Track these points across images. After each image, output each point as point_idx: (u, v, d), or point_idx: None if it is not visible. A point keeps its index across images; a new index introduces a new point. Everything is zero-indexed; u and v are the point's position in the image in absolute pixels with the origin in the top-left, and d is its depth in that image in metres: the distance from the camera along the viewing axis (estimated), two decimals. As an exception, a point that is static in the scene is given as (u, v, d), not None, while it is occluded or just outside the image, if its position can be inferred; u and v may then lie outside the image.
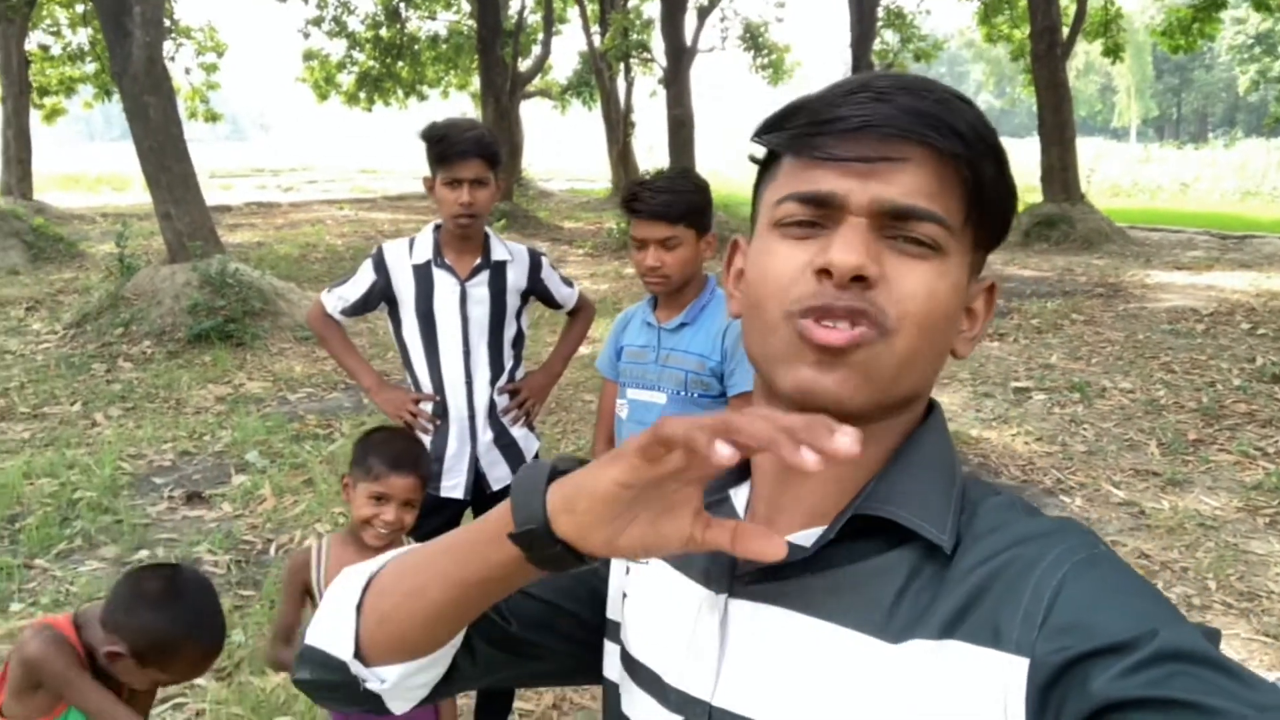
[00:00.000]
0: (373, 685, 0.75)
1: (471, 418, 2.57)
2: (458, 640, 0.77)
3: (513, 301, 2.62)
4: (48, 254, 12.10)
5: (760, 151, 0.74)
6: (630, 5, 20.98)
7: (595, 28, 21.12)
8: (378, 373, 2.73)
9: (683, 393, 2.20)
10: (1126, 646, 0.54)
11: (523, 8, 22.63)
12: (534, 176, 25.35)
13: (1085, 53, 40.21)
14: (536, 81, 25.02)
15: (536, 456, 2.75)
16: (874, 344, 0.64)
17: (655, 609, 0.78)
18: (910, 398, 0.70)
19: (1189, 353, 7.17)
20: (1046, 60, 13.91)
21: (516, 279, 2.62)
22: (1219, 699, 0.51)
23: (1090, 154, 22.48)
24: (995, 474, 4.87)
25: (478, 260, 2.56)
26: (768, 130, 0.70)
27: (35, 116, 18.97)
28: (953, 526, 0.66)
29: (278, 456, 5.14)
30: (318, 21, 22.92)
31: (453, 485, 2.59)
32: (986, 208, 0.68)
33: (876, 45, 16.57)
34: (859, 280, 0.63)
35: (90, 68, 19.97)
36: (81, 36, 19.71)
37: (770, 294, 0.67)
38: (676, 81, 15.76)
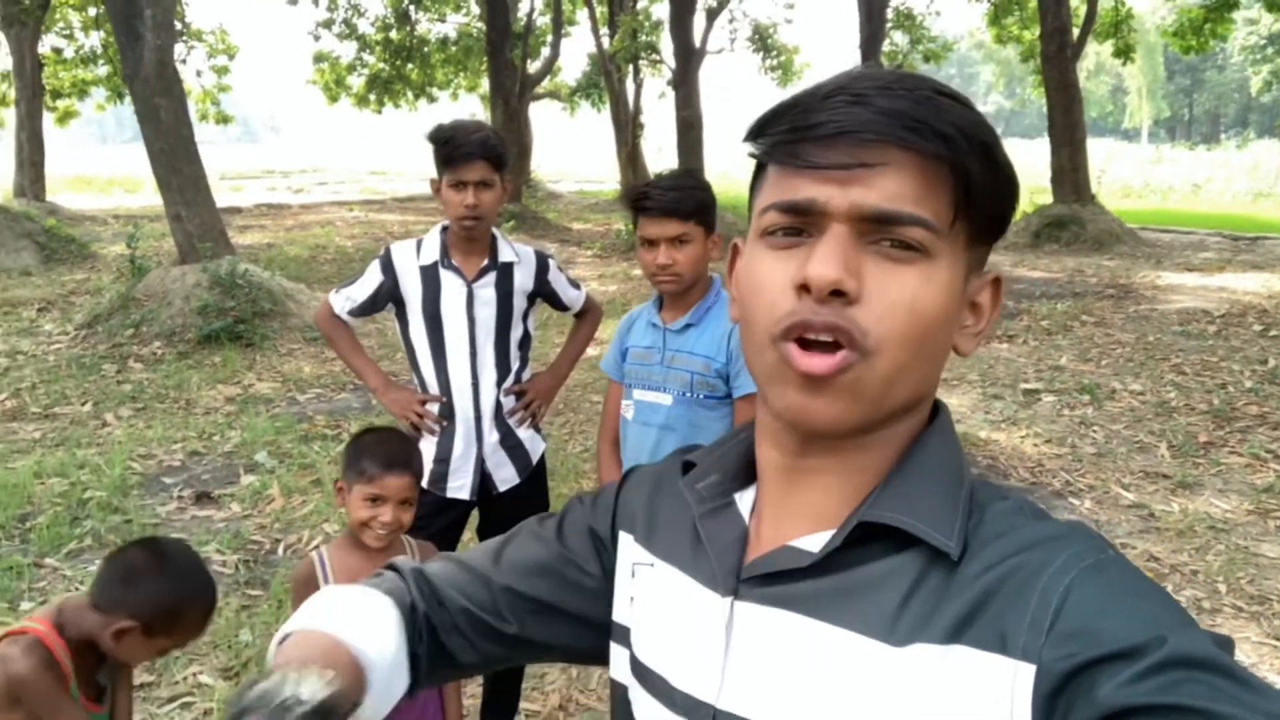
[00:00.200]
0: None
1: (478, 419, 2.58)
2: (395, 663, 0.80)
3: (519, 303, 2.62)
4: (60, 255, 12.18)
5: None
6: (639, 7, 21.01)
7: (604, 30, 21.11)
8: (385, 373, 2.74)
9: (688, 394, 2.19)
10: (1134, 652, 0.54)
11: (532, 10, 22.65)
12: (543, 178, 25.41)
13: (1096, 54, 40.06)
14: (545, 83, 25.07)
15: (543, 457, 2.75)
16: (856, 366, 0.63)
17: (662, 612, 0.78)
18: (909, 405, 0.69)
19: (1200, 354, 7.13)
20: (1057, 61, 13.86)
21: (523, 281, 2.62)
22: (1228, 706, 0.50)
23: (1101, 155, 22.41)
24: (1004, 476, 4.86)
25: (484, 262, 2.56)
26: (753, 135, 0.69)
27: (48, 119, 19.08)
28: (960, 531, 0.65)
29: (286, 457, 5.15)
30: (328, 24, 23.02)
31: (459, 486, 2.59)
32: (978, 203, 0.66)
33: (886, 46, 16.54)
34: (839, 294, 0.62)
35: (103, 70, 20.08)
36: (94, 39, 19.80)
37: (757, 313, 0.67)
38: (685, 83, 15.77)
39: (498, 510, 2.67)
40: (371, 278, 2.59)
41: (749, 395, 2.09)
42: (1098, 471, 4.89)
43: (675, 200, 2.13)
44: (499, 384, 2.59)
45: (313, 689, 0.63)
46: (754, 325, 0.68)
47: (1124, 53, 16.35)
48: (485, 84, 21.93)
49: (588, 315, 2.88)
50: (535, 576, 0.87)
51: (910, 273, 0.64)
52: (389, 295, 2.58)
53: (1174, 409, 5.87)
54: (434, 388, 2.58)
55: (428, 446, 2.58)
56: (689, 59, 15.69)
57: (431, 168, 2.53)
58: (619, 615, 0.84)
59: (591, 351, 3.88)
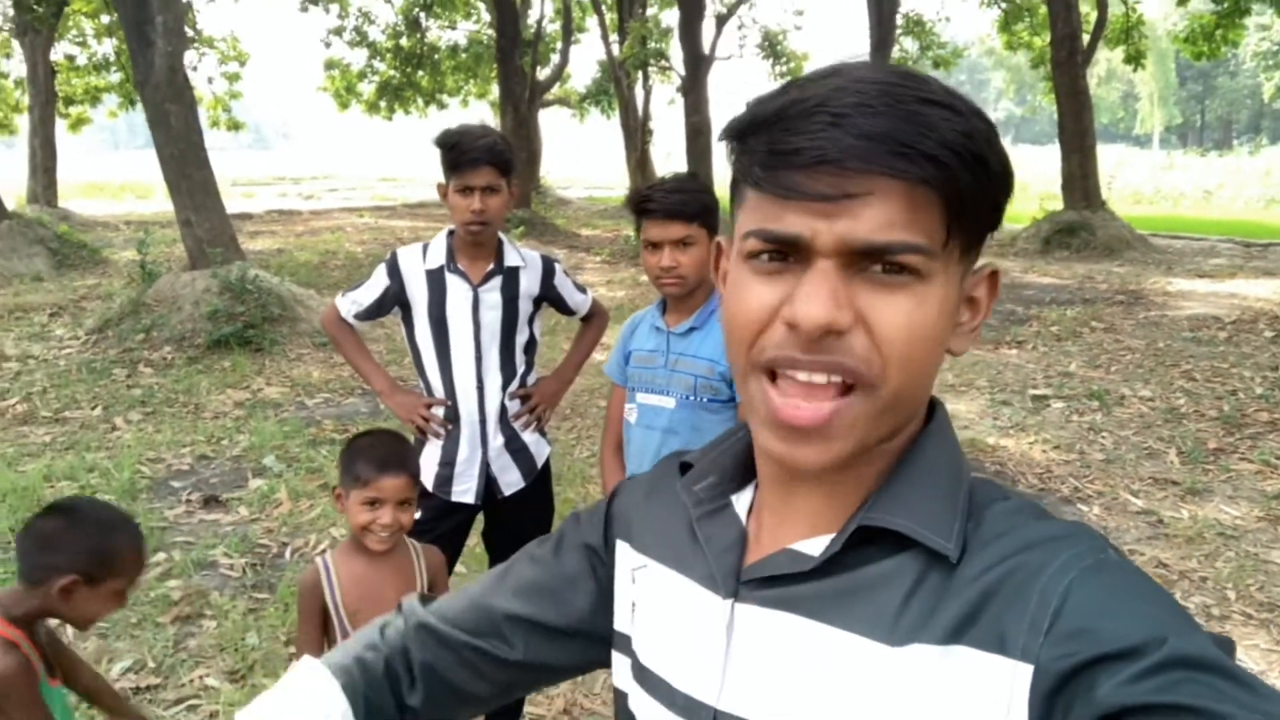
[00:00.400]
0: None
1: (483, 422, 2.58)
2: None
3: (525, 307, 2.62)
4: (71, 261, 12.26)
5: None
6: (649, 14, 21.02)
7: (614, 36, 21.18)
8: (390, 376, 2.74)
9: (691, 397, 2.20)
10: (1134, 652, 0.53)
11: (541, 17, 22.76)
12: (552, 184, 25.44)
13: (1107, 60, 39.97)
14: (555, 90, 25.16)
15: (548, 461, 2.75)
16: (852, 404, 0.62)
17: (663, 616, 0.79)
18: (906, 418, 0.68)
19: (1210, 361, 7.10)
20: (1067, 67, 13.83)
21: (529, 285, 2.62)
22: (1228, 706, 0.50)
23: (1112, 161, 22.37)
24: (1012, 482, 4.84)
25: (490, 266, 2.56)
26: (730, 137, 0.66)
27: (61, 126, 19.23)
28: (959, 533, 0.65)
29: (294, 461, 5.17)
30: (339, 31, 23.14)
31: (464, 490, 2.59)
32: (971, 212, 0.62)
33: (896, 52, 16.52)
34: (830, 332, 0.61)
35: (115, 77, 20.22)
36: (106, 47, 19.96)
37: (739, 337, 0.66)
38: (695, 89, 15.78)
39: (503, 514, 2.67)
40: (378, 281, 2.60)
41: None
42: (1106, 478, 4.87)
43: (679, 203, 2.13)
44: (504, 388, 2.59)
45: None
46: (735, 349, 0.67)
47: (1135, 59, 16.30)
48: (495, 91, 22.03)
49: (594, 320, 2.88)
50: (535, 598, 0.88)
51: (904, 298, 0.61)
52: (395, 299, 2.59)
53: (1184, 415, 5.84)
54: (439, 391, 2.58)
55: (433, 450, 2.59)
56: (698, 65, 15.70)
57: (441, 173, 2.54)
58: (620, 624, 0.84)
59: (597, 356, 3.89)
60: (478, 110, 28.20)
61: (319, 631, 2.03)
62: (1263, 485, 4.71)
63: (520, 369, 2.63)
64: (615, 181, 28.74)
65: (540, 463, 2.71)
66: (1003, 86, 61.59)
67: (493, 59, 21.08)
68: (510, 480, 2.64)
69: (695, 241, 2.16)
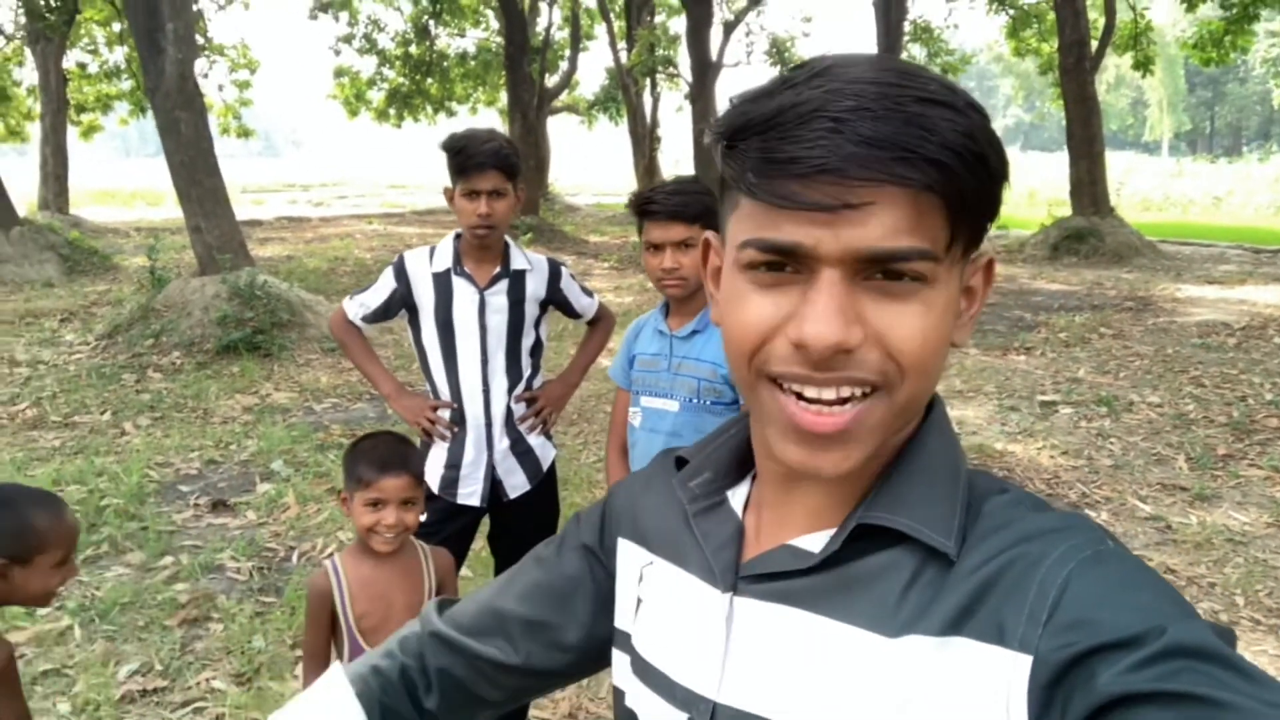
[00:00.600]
0: None
1: (489, 425, 2.59)
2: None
3: (531, 310, 2.63)
4: (82, 267, 12.34)
5: None
6: (656, 21, 21.09)
7: (622, 44, 21.24)
8: (397, 380, 2.75)
9: (695, 400, 2.20)
10: (1134, 642, 0.53)
11: (550, 25, 22.83)
12: (560, 191, 25.54)
13: (1116, 66, 39.90)
14: (563, 97, 25.26)
15: (553, 464, 2.76)
16: (873, 406, 0.62)
17: (665, 610, 0.79)
18: (914, 416, 0.69)
19: (1219, 367, 7.07)
20: (1075, 74, 13.83)
21: (535, 288, 2.63)
22: (1228, 694, 0.50)
23: (1121, 168, 22.31)
24: (1020, 487, 4.82)
25: (497, 269, 2.57)
26: (721, 136, 0.64)
27: (72, 133, 19.36)
28: (958, 528, 0.65)
29: (302, 465, 5.19)
30: (348, 39, 23.27)
31: (469, 493, 2.60)
32: (972, 210, 0.61)
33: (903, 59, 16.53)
34: (841, 350, 0.60)
35: (126, 85, 20.37)
36: (118, 54, 20.13)
37: (739, 350, 0.65)
38: (702, 96, 15.82)
39: (508, 517, 2.68)
40: (385, 284, 2.61)
41: None
42: (1114, 483, 4.85)
43: (680, 204, 2.14)
44: (510, 391, 2.60)
45: None
46: (736, 358, 0.66)
47: (1143, 65, 16.29)
48: (504, 98, 22.10)
49: (600, 323, 2.88)
50: (538, 600, 0.89)
51: (913, 305, 0.61)
52: (402, 302, 2.60)
53: (1192, 421, 5.81)
54: (445, 394, 2.59)
55: (438, 453, 2.59)
56: (706, 72, 15.74)
57: (448, 178, 2.55)
58: (620, 622, 0.85)
59: (604, 361, 3.89)
60: (486, 117, 28.31)
61: (327, 634, 2.03)
62: (1272, 491, 4.68)
63: (526, 372, 2.64)
64: (623, 188, 28.79)
65: (545, 466, 2.71)
66: (1011, 93, 61.53)
67: (501, 66, 21.16)
68: (515, 483, 2.64)
69: (696, 243, 2.16)
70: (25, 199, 16.74)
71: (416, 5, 23.26)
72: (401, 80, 24.43)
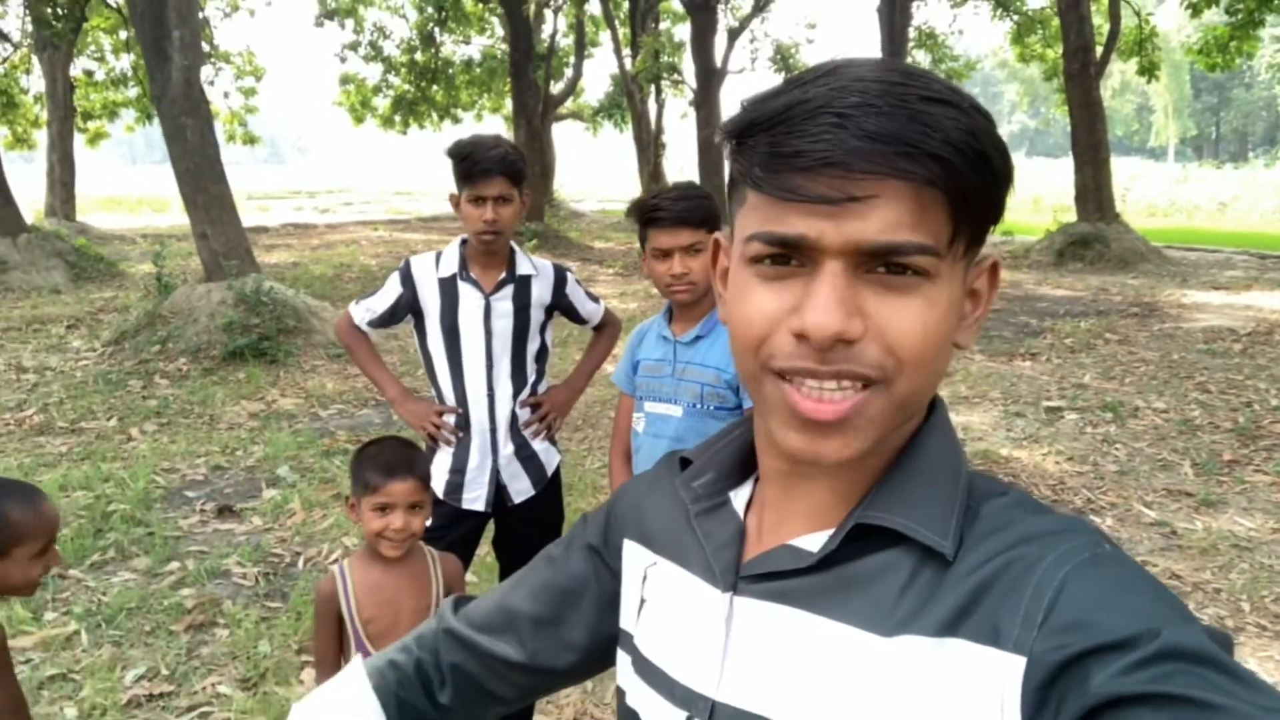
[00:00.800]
0: None
1: (493, 430, 2.59)
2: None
3: (536, 316, 2.64)
4: (89, 273, 12.39)
5: None
6: (661, 28, 21.14)
7: (626, 51, 21.29)
8: (402, 385, 2.76)
9: (699, 405, 2.20)
10: (1128, 644, 0.53)
11: (555, 32, 22.91)
12: (565, 197, 25.55)
13: (1121, 72, 39.90)
14: (568, 104, 25.32)
15: (558, 470, 2.76)
16: (869, 401, 0.63)
17: (667, 610, 0.80)
18: (914, 414, 0.69)
19: (1225, 372, 7.06)
20: (1080, 80, 13.82)
21: (541, 293, 2.64)
22: (1221, 697, 0.50)
23: (1126, 174, 22.29)
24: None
25: (502, 274, 2.58)
26: (730, 135, 0.65)
27: (79, 140, 19.44)
28: (956, 529, 0.65)
29: (308, 471, 5.20)
30: (354, 46, 23.37)
31: (474, 498, 2.61)
32: (974, 208, 0.62)
33: (907, 65, 16.55)
34: (841, 341, 0.61)
35: (132, 92, 20.45)
36: (124, 62, 20.20)
37: (744, 344, 0.66)
38: (707, 103, 15.86)
39: (513, 522, 2.68)
40: (391, 289, 2.62)
41: None
42: (1120, 489, 4.84)
43: (687, 209, 2.15)
44: (515, 396, 2.61)
45: None
46: (743, 354, 0.67)
47: (1148, 71, 16.26)
48: (509, 105, 22.13)
49: (606, 329, 2.89)
50: (546, 598, 0.91)
51: (914, 299, 0.62)
52: (408, 307, 2.61)
53: (1198, 427, 5.80)
54: (450, 399, 2.60)
55: (443, 458, 2.60)
56: (710, 79, 15.78)
57: (454, 185, 2.57)
58: (624, 622, 0.86)
59: (609, 367, 3.90)
60: (492, 124, 28.41)
61: (335, 639, 2.04)
62: (1277, 497, 4.67)
63: (531, 377, 2.65)
64: (628, 194, 28.82)
65: (550, 471, 2.71)
66: (1016, 99, 61.48)
67: (506, 73, 21.21)
68: (520, 488, 2.65)
69: (704, 247, 2.17)
70: (32, 206, 16.80)
71: (422, 13, 23.34)
72: (407, 87, 24.50)
